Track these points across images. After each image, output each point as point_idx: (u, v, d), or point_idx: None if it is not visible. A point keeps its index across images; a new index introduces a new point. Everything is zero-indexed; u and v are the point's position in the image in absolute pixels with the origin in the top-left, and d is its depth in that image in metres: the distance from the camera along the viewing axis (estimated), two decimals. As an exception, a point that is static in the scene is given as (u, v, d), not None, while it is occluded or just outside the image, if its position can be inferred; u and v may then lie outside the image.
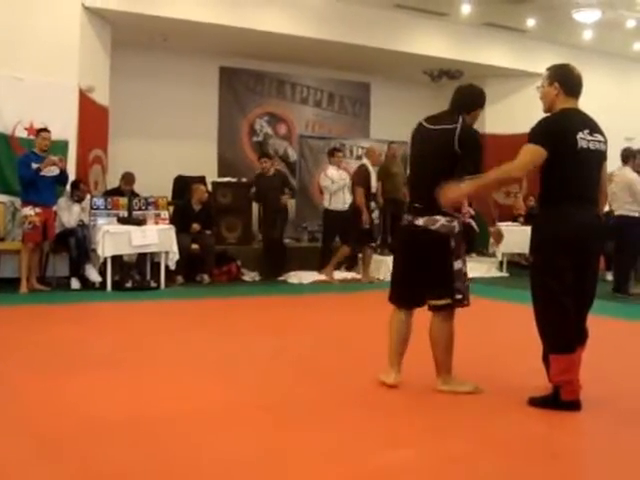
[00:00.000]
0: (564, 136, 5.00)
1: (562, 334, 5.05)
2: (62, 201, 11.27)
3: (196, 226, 12.37)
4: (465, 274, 5.43)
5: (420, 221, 5.32)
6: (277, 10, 13.76)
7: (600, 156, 5.19)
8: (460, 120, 5.31)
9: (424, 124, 5.50)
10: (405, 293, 5.53)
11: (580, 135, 5.02)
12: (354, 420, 4.91)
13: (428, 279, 5.39)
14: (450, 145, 5.21)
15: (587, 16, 14.49)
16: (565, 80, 5.22)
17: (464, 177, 5.10)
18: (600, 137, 5.17)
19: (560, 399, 5.08)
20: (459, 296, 5.35)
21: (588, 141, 5.05)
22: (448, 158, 5.24)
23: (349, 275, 13.51)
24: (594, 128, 5.16)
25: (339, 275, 13.35)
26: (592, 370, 5.45)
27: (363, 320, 9.11)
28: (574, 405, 5.07)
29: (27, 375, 5.92)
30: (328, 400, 5.38)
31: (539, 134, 5.03)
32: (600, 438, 4.73)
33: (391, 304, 5.60)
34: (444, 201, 5.11)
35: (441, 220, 5.28)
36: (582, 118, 5.18)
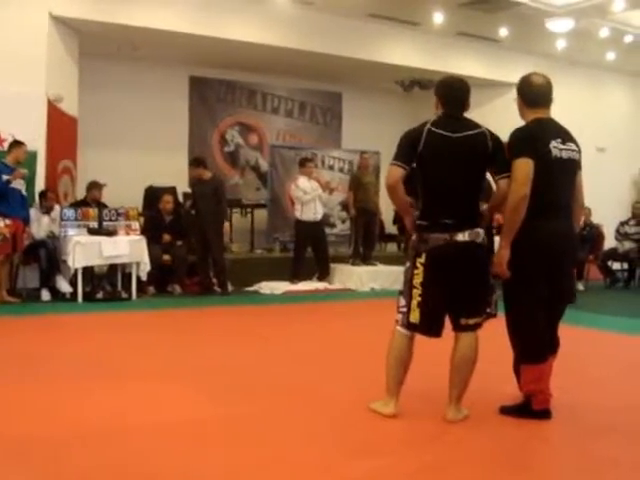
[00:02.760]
0: (536, 146, 5.02)
1: (533, 345, 5.14)
2: (32, 213, 11.29)
3: (167, 237, 12.46)
4: (493, 285, 5.26)
5: (464, 236, 5.02)
6: (248, 19, 13.84)
7: (574, 165, 5.23)
8: (477, 123, 5.17)
9: (442, 132, 5.05)
10: (440, 319, 5.16)
11: (553, 144, 5.08)
12: (326, 430, 4.98)
13: (469, 297, 5.13)
14: (486, 151, 5.04)
15: (560, 25, 14.61)
16: (523, 92, 5.32)
17: (500, 176, 5.04)
18: (573, 146, 5.22)
19: (531, 408, 5.18)
20: (489, 309, 5.21)
21: (561, 150, 5.10)
22: (483, 164, 5.10)
23: (321, 285, 13.65)
24: (566, 137, 5.22)
25: (310, 285, 13.50)
26: (563, 379, 5.59)
27: (336, 331, 9.22)
28: (544, 414, 5.19)
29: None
30: (299, 411, 5.43)
31: (518, 146, 5.04)
32: (569, 449, 4.81)
33: (413, 331, 5.15)
34: (501, 270, 5.08)
35: (481, 232, 5.10)
36: (554, 127, 5.23)
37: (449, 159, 5.04)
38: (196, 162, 13.02)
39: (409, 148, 5.08)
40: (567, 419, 5.30)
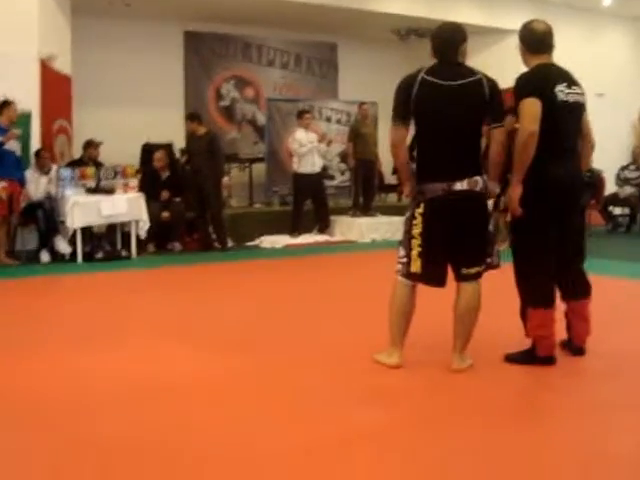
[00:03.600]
0: (543, 89, 5.04)
1: (541, 288, 5.20)
2: (29, 173, 11.23)
3: (165, 194, 12.40)
4: (494, 235, 5.25)
5: (462, 185, 4.97)
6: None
7: (580, 108, 5.28)
8: (474, 68, 5.12)
9: (436, 81, 4.99)
10: (442, 269, 5.15)
11: (558, 88, 5.10)
12: (329, 382, 5.01)
13: (468, 247, 5.11)
14: (482, 98, 4.97)
15: None
16: (525, 39, 5.33)
17: (495, 125, 5.02)
18: (578, 89, 5.24)
19: (536, 355, 5.24)
20: (489, 259, 5.19)
21: (567, 93, 5.12)
22: (481, 111, 5.03)
23: (321, 238, 13.65)
24: (571, 81, 5.23)
25: (311, 238, 13.51)
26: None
27: (339, 282, 9.22)
28: (549, 360, 5.23)
29: None
30: (301, 364, 5.45)
31: (525, 87, 5.07)
32: (572, 395, 4.84)
33: (414, 281, 5.15)
34: (513, 207, 5.11)
35: (480, 180, 5.04)
36: (558, 71, 5.25)
37: (444, 108, 5.00)
38: (190, 117, 12.92)
39: (404, 101, 5.05)
40: (570, 365, 5.35)
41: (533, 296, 5.24)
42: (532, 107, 4.98)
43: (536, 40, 5.29)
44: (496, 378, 5.12)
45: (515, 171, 5.08)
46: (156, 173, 12.69)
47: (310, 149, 13.46)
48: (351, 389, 4.86)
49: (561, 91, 5.10)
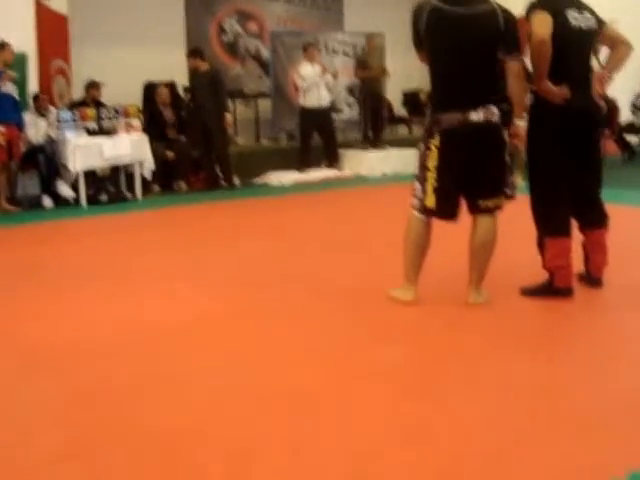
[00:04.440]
0: (554, 11, 4.99)
1: (557, 218, 5.23)
2: (27, 117, 11.07)
3: (171, 132, 12.41)
4: (510, 166, 5.21)
5: (477, 115, 4.92)
6: None
7: (592, 34, 5.21)
8: None
9: (446, 7, 4.92)
10: (456, 202, 5.14)
11: (570, 13, 5.07)
12: (345, 319, 5.01)
13: (485, 177, 5.07)
14: (497, 27, 4.88)
15: None
16: None
17: (510, 56, 4.96)
18: (589, 14, 5.19)
19: (553, 286, 5.25)
20: (509, 191, 5.15)
21: (578, 19, 5.09)
22: (494, 41, 4.92)
23: (331, 172, 13.47)
24: (582, 5, 5.19)
25: (320, 173, 13.33)
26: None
27: (350, 219, 9.14)
28: (567, 291, 5.24)
29: (5, 296, 5.95)
30: (316, 302, 5.44)
31: (536, 6, 5.05)
32: (588, 329, 4.86)
33: (428, 217, 5.13)
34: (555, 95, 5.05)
35: (495, 110, 4.99)
36: None
37: (455, 35, 4.95)
38: (192, 53, 12.74)
39: (415, 31, 5.07)
40: (588, 297, 5.36)
41: (550, 226, 5.25)
42: (543, 17, 4.95)
43: None
44: (513, 312, 5.12)
45: (536, 82, 5.07)
46: (159, 111, 12.55)
47: (314, 82, 13.27)
48: (367, 326, 4.89)
49: (573, 16, 5.07)
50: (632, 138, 15.64)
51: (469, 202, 5.14)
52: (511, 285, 5.49)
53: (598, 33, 5.25)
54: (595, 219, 5.45)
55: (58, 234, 9.12)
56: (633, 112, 15.36)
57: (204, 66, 12.43)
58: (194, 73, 12.66)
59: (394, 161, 13.73)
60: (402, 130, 17.20)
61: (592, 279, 5.51)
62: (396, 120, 17.04)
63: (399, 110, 17.15)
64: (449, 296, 5.35)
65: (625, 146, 15.37)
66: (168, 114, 12.58)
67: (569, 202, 5.27)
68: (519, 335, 4.66)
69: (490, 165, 5.05)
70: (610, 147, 14.80)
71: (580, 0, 5.24)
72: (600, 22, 5.25)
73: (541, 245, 5.36)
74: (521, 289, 5.42)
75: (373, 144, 14.12)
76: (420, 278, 5.24)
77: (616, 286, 5.56)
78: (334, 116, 14.34)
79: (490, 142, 5.02)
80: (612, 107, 14.42)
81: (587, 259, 5.51)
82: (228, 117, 12.35)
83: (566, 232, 5.22)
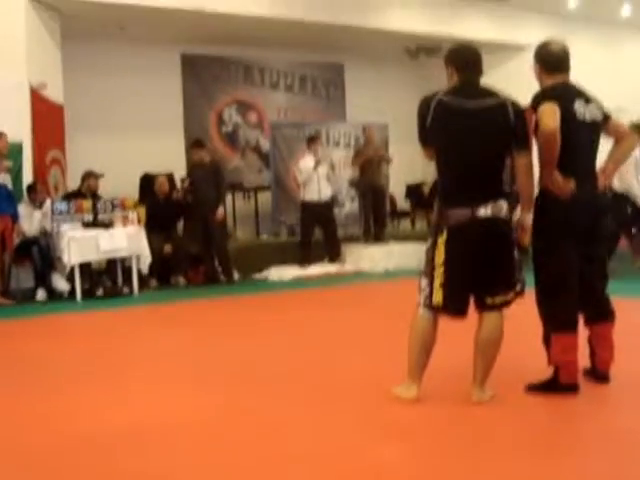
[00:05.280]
0: (562, 104, 5.02)
1: (563, 313, 5.19)
2: (22, 208, 11.13)
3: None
4: (520, 261, 5.18)
5: (486, 211, 4.92)
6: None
7: (598, 127, 5.29)
8: (498, 91, 5.09)
9: (453, 101, 4.99)
10: (465, 299, 5.08)
11: (577, 105, 5.13)
12: (348, 417, 4.93)
13: (493, 275, 5.04)
14: (508, 121, 4.93)
15: None
16: (542, 59, 5.39)
17: (519, 152, 5.00)
18: (595, 106, 5.26)
19: (559, 382, 5.21)
20: (518, 287, 5.12)
21: (585, 111, 5.15)
22: (505, 136, 4.97)
23: (332, 268, 13.44)
24: (588, 98, 5.26)
25: (322, 268, 13.33)
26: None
27: (351, 316, 9.04)
28: (572, 388, 5.19)
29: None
30: (318, 400, 5.38)
31: (544, 97, 5.10)
32: (594, 428, 4.75)
33: (436, 313, 5.06)
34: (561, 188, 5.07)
35: (504, 205, 4.99)
36: (575, 89, 5.29)
37: (465, 131, 4.97)
38: (195, 144, 12.85)
39: (421, 125, 5.07)
40: (594, 393, 5.32)
41: (556, 321, 5.22)
42: (551, 108, 4.98)
43: (553, 60, 5.37)
44: (518, 409, 5.06)
45: (543, 176, 5.10)
46: (158, 203, 12.63)
47: (310, 175, 13.34)
48: (369, 424, 4.82)
49: (579, 108, 5.15)
50: None
51: (477, 298, 5.10)
52: (515, 381, 5.45)
53: (603, 125, 5.33)
54: (601, 313, 5.43)
55: (52, 329, 9.07)
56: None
57: (206, 158, 12.53)
58: (195, 165, 12.73)
59: (397, 256, 13.74)
60: (405, 224, 17.29)
61: (598, 374, 5.46)
62: (399, 214, 17.11)
63: (402, 203, 17.21)
64: (453, 393, 5.28)
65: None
66: (167, 206, 12.64)
67: (575, 296, 5.24)
68: (521, 435, 4.58)
69: (499, 261, 5.03)
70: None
71: (587, 93, 5.31)
72: (605, 114, 5.34)
73: (547, 340, 5.31)
74: (526, 386, 5.35)
75: (375, 239, 14.13)
76: (424, 374, 5.19)
77: (622, 381, 5.51)
78: (336, 210, 14.40)
79: (498, 237, 5.02)
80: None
81: (593, 354, 5.47)
82: (221, 211, 12.34)
83: (572, 328, 5.19)
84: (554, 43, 5.43)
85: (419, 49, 16.50)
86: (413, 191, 17.14)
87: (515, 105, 4.99)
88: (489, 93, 5.03)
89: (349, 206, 15.69)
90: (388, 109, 16.39)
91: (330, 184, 13.76)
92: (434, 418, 4.92)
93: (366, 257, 13.71)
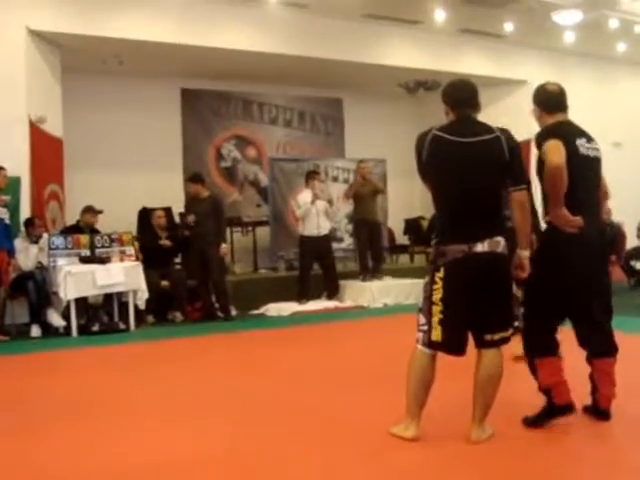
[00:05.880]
0: (565, 140, 5.10)
1: (546, 340, 5.30)
2: (18, 242, 11.02)
3: (166, 242, 12.40)
4: (518, 297, 5.26)
5: (483, 246, 4.90)
6: (239, 26, 13.58)
7: (599, 163, 5.43)
8: (492, 126, 5.10)
9: (448, 137, 4.96)
10: (463, 336, 5.03)
11: (579, 142, 5.23)
12: (345, 458, 4.86)
13: (492, 312, 4.99)
14: (502, 156, 4.91)
15: (567, 18, 14.43)
16: (541, 101, 5.52)
17: (515, 187, 4.97)
18: (595, 145, 5.39)
19: (553, 405, 5.28)
20: (517, 323, 5.17)
21: (587, 148, 5.27)
22: (501, 171, 4.96)
23: (331, 304, 13.33)
24: (589, 136, 5.39)
25: (320, 304, 13.24)
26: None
27: (350, 353, 8.97)
28: (567, 408, 5.27)
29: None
30: (314, 440, 5.32)
31: (548, 134, 5.19)
32: (598, 464, 4.70)
33: (435, 351, 5.02)
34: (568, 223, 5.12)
35: (502, 241, 4.97)
36: (576, 127, 5.42)
37: (459, 166, 4.96)
38: (194, 179, 12.67)
39: (418, 161, 5.08)
40: (595, 431, 5.34)
41: (537, 347, 5.32)
42: (556, 144, 5.06)
43: (553, 100, 5.48)
44: (518, 448, 5.01)
45: (551, 209, 5.18)
46: (156, 237, 12.51)
47: (308, 210, 13.24)
48: (366, 465, 4.73)
49: (582, 145, 5.25)
50: (638, 264, 15.62)
51: (475, 335, 5.05)
52: (514, 415, 5.45)
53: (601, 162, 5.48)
54: (603, 348, 5.43)
55: (47, 366, 8.88)
56: (639, 237, 15.28)
57: (205, 193, 12.43)
58: (194, 200, 12.60)
59: (395, 291, 13.63)
60: (404, 259, 17.15)
61: (599, 411, 5.46)
62: (398, 249, 16.99)
63: (401, 238, 17.09)
64: (452, 432, 5.21)
65: (631, 273, 15.32)
66: (163, 235, 12.59)
67: (556, 329, 5.35)
68: (526, 474, 4.52)
69: (497, 297, 4.98)
70: (616, 273, 14.73)
71: (587, 132, 5.41)
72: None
73: (532, 367, 5.38)
74: (524, 420, 5.38)
75: (373, 275, 13.95)
76: (423, 412, 5.13)
77: (624, 419, 5.48)
78: (334, 245, 14.28)
79: (496, 273, 4.98)
80: (618, 232, 14.43)
81: (594, 390, 5.46)
82: (224, 247, 12.20)
83: (555, 353, 5.30)
84: (551, 84, 5.56)
85: (418, 84, 16.42)
86: (412, 226, 17.08)
87: (510, 139, 4.98)
88: (484, 128, 5.01)
89: (348, 241, 15.53)
90: (386, 144, 16.33)
91: (329, 219, 13.64)
92: (433, 459, 4.83)
93: (365, 292, 13.57)
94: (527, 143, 5.19)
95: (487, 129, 4.99)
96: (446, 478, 4.50)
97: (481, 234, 4.91)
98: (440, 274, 4.94)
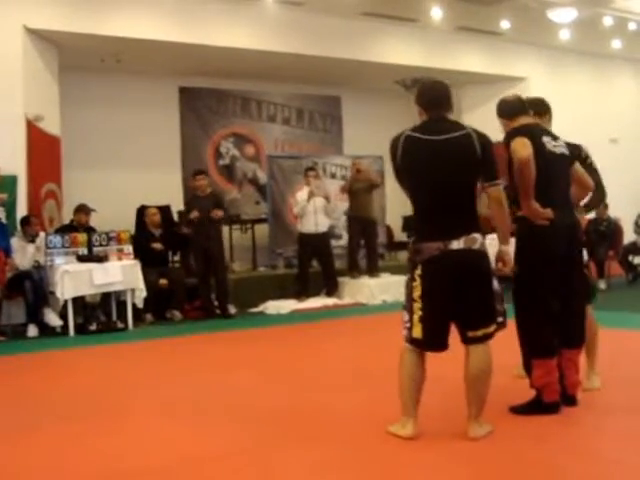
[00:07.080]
0: (531, 138, 5.28)
1: (543, 339, 5.38)
2: (14, 241, 10.81)
3: (158, 245, 12.20)
4: (501, 292, 5.18)
5: (458, 244, 4.87)
6: (236, 24, 13.43)
7: (567, 160, 5.58)
8: (464, 123, 5.12)
9: (420, 136, 4.96)
10: (443, 332, 4.99)
11: (545, 139, 5.43)
12: (344, 457, 4.79)
13: (472, 308, 4.96)
14: (473, 153, 4.88)
15: (563, 15, 14.42)
16: (503, 111, 5.70)
17: (489, 183, 4.99)
18: (561, 142, 5.58)
19: (542, 402, 5.39)
20: (500, 319, 5.14)
21: (553, 145, 5.46)
22: (473, 167, 4.94)
23: (330, 301, 13.15)
24: (554, 135, 5.59)
25: (319, 301, 13.08)
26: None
27: (349, 350, 8.91)
28: (555, 406, 5.39)
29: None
30: (314, 438, 5.24)
31: (514, 134, 5.34)
32: (596, 461, 4.67)
33: (416, 348, 4.99)
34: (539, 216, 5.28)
35: (479, 238, 4.94)
36: (541, 127, 5.64)
37: (430, 163, 4.98)
38: (199, 173, 12.59)
39: (393, 161, 5.09)
40: (591, 423, 5.41)
41: (537, 347, 5.41)
42: (522, 140, 5.24)
43: (512, 107, 5.66)
44: (515, 444, 4.95)
45: (522, 203, 5.31)
46: (149, 233, 12.37)
47: (305, 207, 13.09)
48: (364, 464, 4.68)
49: (548, 142, 5.43)
50: (636, 259, 15.60)
51: (459, 332, 5.05)
52: (506, 411, 5.51)
53: (573, 159, 5.68)
54: (573, 340, 5.56)
55: (44, 366, 8.73)
56: (636, 232, 15.15)
57: (208, 188, 12.31)
58: (195, 196, 12.45)
59: (394, 288, 13.28)
60: (402, 256, 16.91)
61: (567, 397, 5.55)
62: (396, 245, 16.84)
63: (399, 235, 16.94)
64: (450, 429, 5.17)
65: (629, 268, 15.21)
66: (157, 233, 12.47)
67: (555, 322, 5.40)
68: (526, 471, 4.44)
69: (476, 294, 4.97)
70: (614, 268, 14.65)
71: (552, 132, 5.62)
72: (572, 154, 5.66)
73: (527, 366, 5.49)
74: (510, 408, 5.51)
75: (369, 272, 13.77)
76: (419, 410, 5.07)
77: (625, 415, 5.49)
78: (333, 242, 14.10)
79: (473, 269, 4.97)
80: (615, 227, 14.30)
81: (562, 377, 5.52)
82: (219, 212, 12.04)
83: (552, 353, 5.37)
84: (508, 96, 5.83)
85: (415, 81, 16.21)
86: (410, 223, 16.80)
87: (482, 136, 4.99)
88: (455, 126, 5.03)
89: (346, 238, 15.27)
90: (384, 141, 15.99)
91: (327, 216, 13.47)
92: (431, 457, 4.77)
93: (364, 290, 13.41)
94: (500, 145, 5.14)
95: (458, 126, 5.01)
96: (443, 476, 4.43)
97: (457, 231, 4.90)
98: (418, 271, 4.95)
